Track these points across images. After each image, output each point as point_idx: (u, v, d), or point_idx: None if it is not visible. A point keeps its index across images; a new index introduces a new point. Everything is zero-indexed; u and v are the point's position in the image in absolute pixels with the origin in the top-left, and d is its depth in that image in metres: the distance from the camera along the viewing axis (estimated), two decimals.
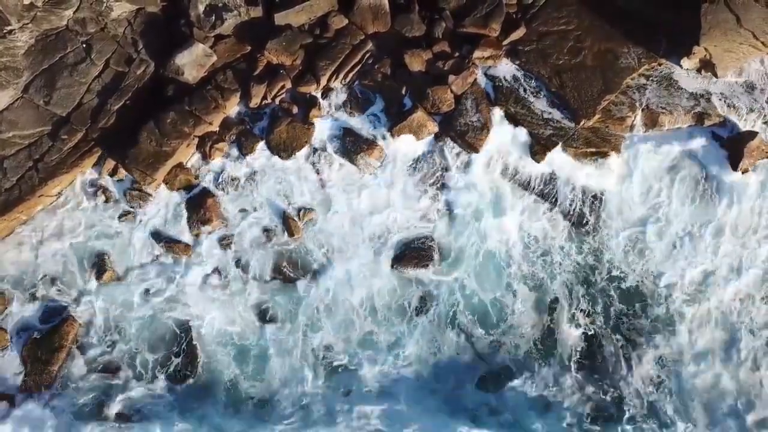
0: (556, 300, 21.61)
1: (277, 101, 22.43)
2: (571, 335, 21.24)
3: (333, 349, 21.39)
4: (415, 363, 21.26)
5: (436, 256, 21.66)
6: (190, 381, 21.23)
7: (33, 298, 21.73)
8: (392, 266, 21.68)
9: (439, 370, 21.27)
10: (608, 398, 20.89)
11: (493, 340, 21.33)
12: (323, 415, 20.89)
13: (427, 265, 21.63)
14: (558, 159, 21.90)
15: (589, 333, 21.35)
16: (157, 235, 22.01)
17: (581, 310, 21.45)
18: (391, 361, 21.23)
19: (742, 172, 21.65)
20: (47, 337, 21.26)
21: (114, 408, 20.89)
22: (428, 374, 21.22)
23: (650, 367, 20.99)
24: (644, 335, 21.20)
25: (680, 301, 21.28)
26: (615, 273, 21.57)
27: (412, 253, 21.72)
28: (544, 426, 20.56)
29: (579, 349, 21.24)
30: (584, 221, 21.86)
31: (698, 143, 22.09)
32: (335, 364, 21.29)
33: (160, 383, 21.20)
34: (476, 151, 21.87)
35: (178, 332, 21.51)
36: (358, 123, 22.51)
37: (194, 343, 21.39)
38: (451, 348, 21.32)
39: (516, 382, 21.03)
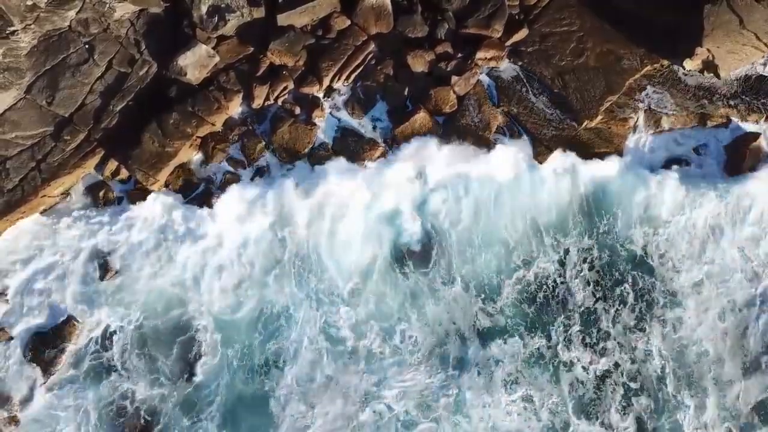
0: None
1: (279, 102, 22.44)
2: None
3: None
4: None
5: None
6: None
7: (35, 298, 21.74)
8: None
9: None
10: None
11: None
12: None
13: None
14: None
15: None
16: (160, 237, 21.98)
17: None
18: None
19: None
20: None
21: None
22: None
23: None
24: None
25: None
26: None
27: None
28: None
29: None
30: None
31: (700, 144, 22.24)
32: None
33: None
34: (486, 148, 21.97)
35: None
36: (361, 124, 22.52)
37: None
38: None
39: None
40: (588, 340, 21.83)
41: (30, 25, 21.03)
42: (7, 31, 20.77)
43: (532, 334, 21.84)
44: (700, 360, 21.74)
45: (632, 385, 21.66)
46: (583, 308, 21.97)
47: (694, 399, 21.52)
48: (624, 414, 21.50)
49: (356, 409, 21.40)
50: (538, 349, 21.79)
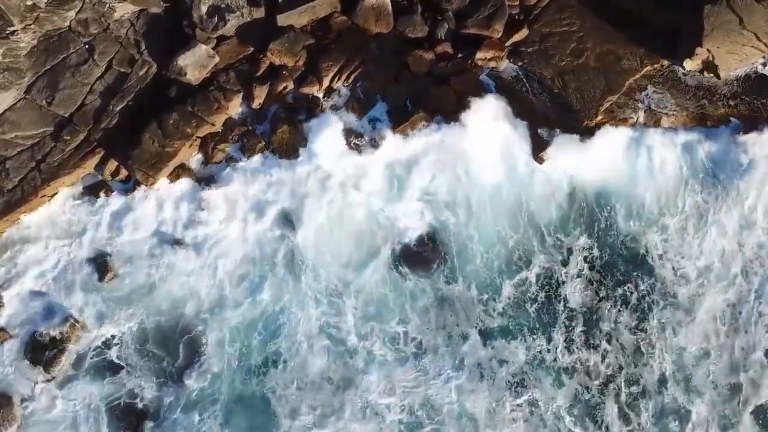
0: None
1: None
2: None
3: None
4: None
5: None
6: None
7: (35, 298, 21.72)
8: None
9: None
10: None
11: None
12: None
13: None
14: None
15: None
16: (159, 236, 22.02)
17: None
18: None
19: None
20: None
21: None
22: None
23: None
24: None
25: None
26: None
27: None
28: None
29: None
30: None
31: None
32: None
33: None
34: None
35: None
36: (361, 124, 22.51)
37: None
38: None
39: None
40: (591, 341, 21.76)
41: (30, 25, 21.02)
42: (7, 31, 20.77)
43: (534, 337, 21.77)
44: (699, 363, 21.67)
45: (633, 389, 21.56)
46: (583, 310, 21.95)
47: (695, 404, 21.45)
48: (626, 420, 21.39)
49: (359, 410, 21.33)
50: (540, 352, 21.69)
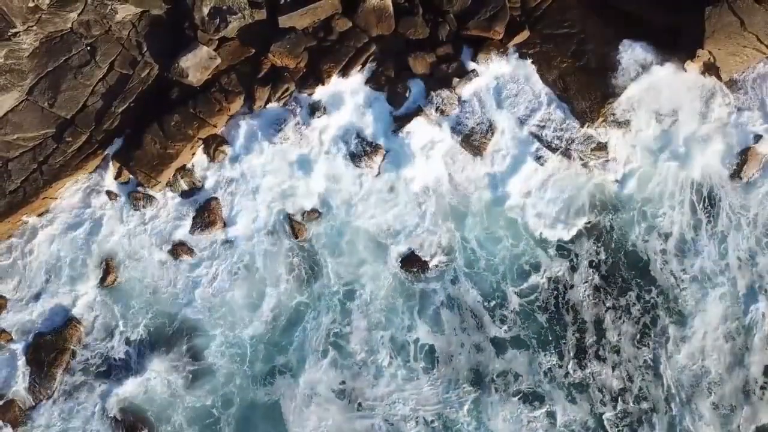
0: None
1: (281, 103, 22.46)
2: None
3: None
4: None
5: None
6: None
7: (36, 299, 21.76)
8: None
9: None
10: None
11: None
12: None
13: None
14: None
15: None
16: (163, 239, 22.03)
17: None
18: None
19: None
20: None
21: None
22: None
23: None
24: None
25: None
26: None
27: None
28: None
29: None
30: None
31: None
32: None
33: None
34: (480, 154, 21.96)
35: None
36: (362, 125, 22.49)
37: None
38: None
39: None
40: (598, 355, 21.50)
41: (32, 26, 21.08)
42: (9, 33, 20.83)
43: (541, 350, 21.52)
44: (701, 382, 21.22)
45: (643, 406, 21.26)
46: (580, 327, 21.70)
47: (697, 424, 21.13)
48: None
49: (370, 423, 21.18)
50: (550, 369, 21.44)
